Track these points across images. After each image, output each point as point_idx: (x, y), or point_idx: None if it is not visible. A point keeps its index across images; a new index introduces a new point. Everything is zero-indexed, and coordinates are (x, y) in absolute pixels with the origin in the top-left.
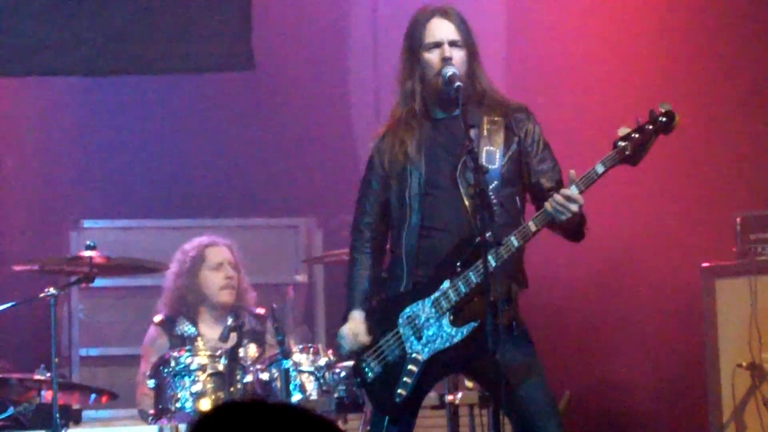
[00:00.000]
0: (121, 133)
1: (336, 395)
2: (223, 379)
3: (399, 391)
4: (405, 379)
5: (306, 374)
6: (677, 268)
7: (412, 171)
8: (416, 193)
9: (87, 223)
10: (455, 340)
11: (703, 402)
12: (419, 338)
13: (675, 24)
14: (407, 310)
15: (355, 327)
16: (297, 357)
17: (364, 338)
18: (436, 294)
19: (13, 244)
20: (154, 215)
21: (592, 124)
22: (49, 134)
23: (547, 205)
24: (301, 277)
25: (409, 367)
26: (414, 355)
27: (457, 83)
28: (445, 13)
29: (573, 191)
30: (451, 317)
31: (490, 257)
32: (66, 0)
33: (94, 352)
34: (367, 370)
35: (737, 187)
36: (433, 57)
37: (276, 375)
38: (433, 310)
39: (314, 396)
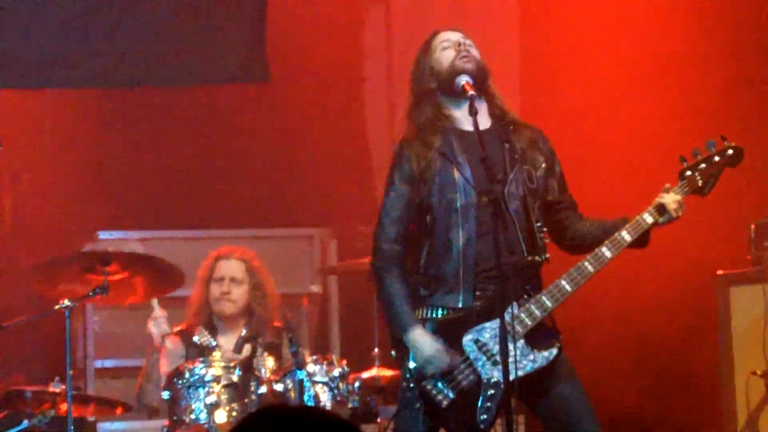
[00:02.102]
0: (135, 144)
1: (350, 405)
2: (238, 390)
3: (483, 417)
4: (488, 404)
5: (320, 385)
6: (691, 276)
7: (460, 179)
8: (470, 202)
9: (103, 235)
10: (536, 365)
11: (717, 410)
12: (495, 363)
13: (692, 29)
14: (473, 334)
15: (437, 344)
16: (311, 367)
17: (448, 357)
18: (507, 318)
19: (28, 256)
20: (169, 226)
21: (607, 122)
22: (65, 146)
23: (673, 211)
24: (315, 288)
25: (490, 392)
26: (493, 380)
27: (471, 92)
28: (454, 28)
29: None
30: (526, 342)
31: (564, 282)
32: (82, 13)
33: (109, 363)
34: (440, 397)
35: (751, 194)
36: (446, 54)
37: (290, 386)
38: (508, 335)
39: (328, 406)
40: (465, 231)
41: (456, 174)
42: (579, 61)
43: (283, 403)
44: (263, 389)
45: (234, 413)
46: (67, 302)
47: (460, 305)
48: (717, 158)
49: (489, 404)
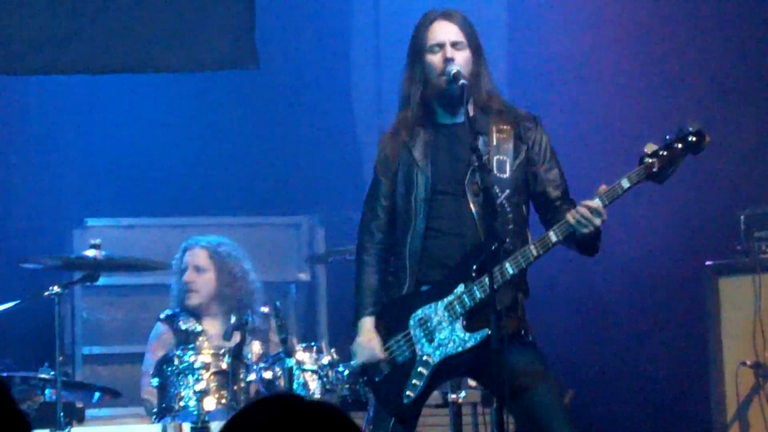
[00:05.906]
0: (123, 131)
1: (339, 394)
2: (227, 377)
3: (407, 392)
4: (414, 381)
5: (309, 373)
6: (681, 266)
7: (419, 175)
8: (423, 197)
9: (90, 221)
10: (468, 345)
11: (706, 401)
12: (430, 341)
13: (676, 22)
14: (419, 311)
15: (371, 339)
16: (300, 355)
17: (380, 353)
18: (450, 298)
19: (16, 242)
20: (158, 213)
21: (595, 126)
22: (53, 132)
23: (570, 217)
24: (303, 276)
25: (419, 369)
26: (424, 357)
27: (462, 81)
28: (448, 16)
29: (598, 203)
30: (465, 322)
31: (508, 265)
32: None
33: (97, 350)
34: (374, 371)
35: (741, 184)
36: (435, 59)
37: (279, 374)
38: (447, 313)
39: (318, 395)
40: (415, 226)
41: (414, 170)
42: (566, 41)
43: (276, 392)
44: (252, 377)
45: (223, 400)
46: (56, 288)
47: (405, 292)
48: (679, 144)
49: (415, 381)
